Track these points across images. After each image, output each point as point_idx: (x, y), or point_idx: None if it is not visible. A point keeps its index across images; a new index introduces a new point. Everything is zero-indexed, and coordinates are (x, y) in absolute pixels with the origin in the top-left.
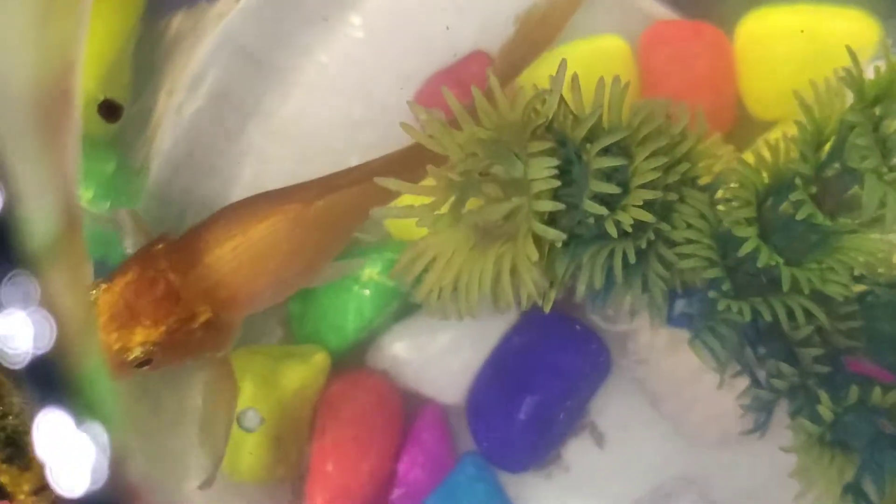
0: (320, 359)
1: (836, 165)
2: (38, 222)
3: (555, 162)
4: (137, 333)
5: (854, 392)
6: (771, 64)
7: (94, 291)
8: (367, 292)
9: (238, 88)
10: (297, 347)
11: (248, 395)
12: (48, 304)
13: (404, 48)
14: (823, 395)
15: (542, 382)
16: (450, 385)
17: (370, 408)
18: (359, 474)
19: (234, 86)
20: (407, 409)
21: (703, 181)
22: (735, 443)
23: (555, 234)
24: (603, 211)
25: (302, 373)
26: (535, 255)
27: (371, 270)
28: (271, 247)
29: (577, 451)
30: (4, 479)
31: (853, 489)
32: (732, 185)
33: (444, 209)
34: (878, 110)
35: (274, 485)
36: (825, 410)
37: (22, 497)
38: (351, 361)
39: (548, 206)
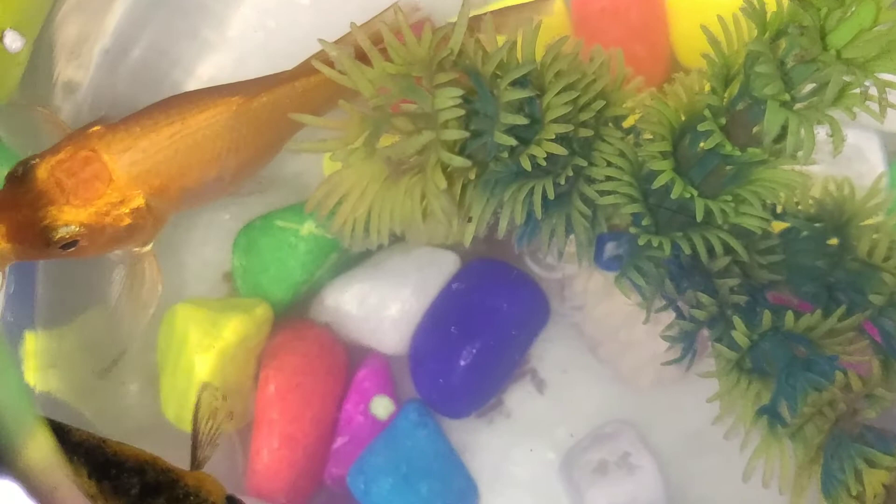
0: (262, 311)
1: (747, 99)
2: None
3: (459, 92)
4: (66, 212)
5: (767, 318)
6: (701, 15)
7: (20, 168)
8: (306, 245)
9: None
10: (239, 300)
11: (192, 345)
12: None
13: None
14: (738, 322)
15: (482, 330)
16: (391, 335)
17: (313, 358)
18: (302, 422)
19: None
20: (350, 360)
21: (627, 123)
22: (672, 385)
23: (461, 162)
24: (511, 141)
25: (244, 324)
26: (442, 184)
27: (310, 224)
28: (209, 138)
29: (518, 397)
30: None
31: (768, 411)
32: (648, 121)
33: (358, 143)
34: (783, 43)
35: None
36: (740, 336)
37: None
38: (294, 314)
39: (454, 134)
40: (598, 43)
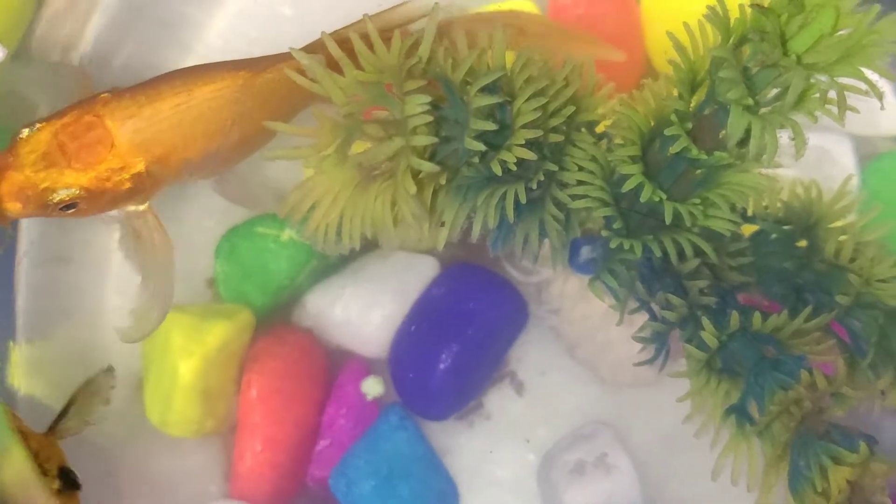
0: (244, 317)
1: (713, 104)
2: None
3: (428, 98)
4: (66, 175)
5: (735, 319)
6: (675, 23)
7: (26, 130)
8: (287, 251)
9: None
10: (222, 306)
11: (175, 350)
12: None
13: None
14: (707, 323)
15: (461, 333)
16: (372, 339)
17: (294, 362)
18: (285, 426)
19: None
20: (331, 364)
21: (599, 129)
22: (649, 386)
23: (430, 167)
24: (481, 147)
25: (226, 329)
26: (413, 189)
27: (290, 230)
28: (213, 111)
29: (498, 399)
30: None
31: (737, 410)
32: (619, 127)
33: (330, 150)
34: (747, 49)
35: (204, 438)
36: (709, 337)
37: None
38: (276, 320)
39: (424, 140)
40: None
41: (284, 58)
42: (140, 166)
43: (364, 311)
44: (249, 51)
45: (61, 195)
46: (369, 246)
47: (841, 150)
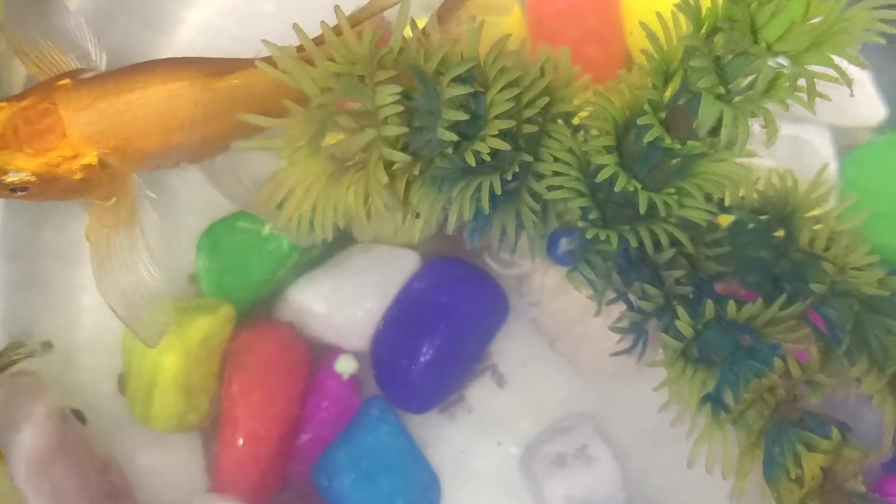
0: (225, 311)
1: (687, 94)
2: None
3: (398, 88)
4: (18, 159)
5: (710, 308)
6: (655, 17)
7: None
8: (268, 246)
9: None
10: (203, 301)
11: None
12: None
13: None
14: (682, 311)
15: (442, 326)
16: (354, 333)
17: (276, 356)
18: (266, 419)
19: None
20: (313, 358)
21: (577, 121)
22: (630, 377)
23: (401, 157)
24: (453, 137)
25: (207, 324)
26: (384, 179)
27: (271, 225)
28: (170, 110)
29: (479, 392)
30: None
31: (712, 398)
32: (593, 117)
33: (303, 142)
34: (720, 38)
35: (186, 432)
36: (684, 326)
37: None
38: (258, 314)
39: (394, 130)
40: (555, 44)
41: (250, 64)
42: (92, 158)
43: (345, 305)
44: (231, 49)
45: (11, 177)
46: (350, 240)
47: (820, 140)
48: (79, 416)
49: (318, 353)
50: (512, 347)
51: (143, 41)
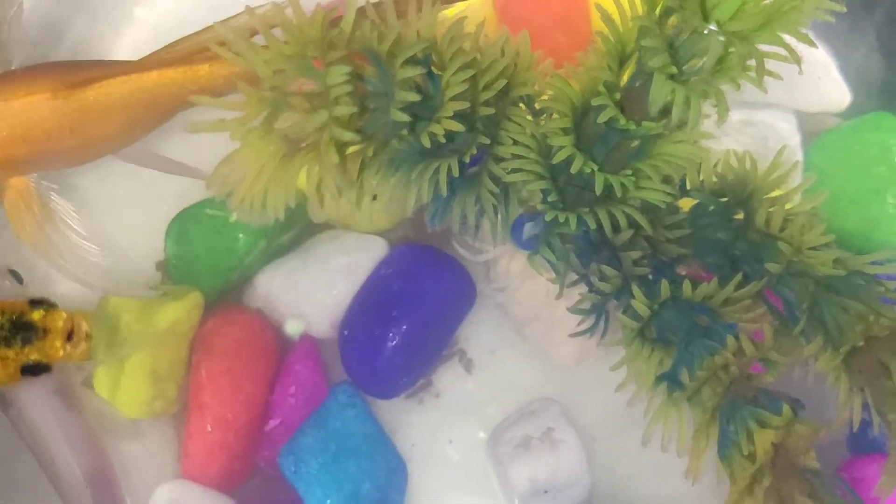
0: (193, 298)
1: (643, 76)
2: None
3: (348, 68)
4: None
5: (665, 288)
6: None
7: None
8: (235, 233)
9: None
10: (171, 287)
11: (123, 330)
12: None
13: None
14: (637, 292)
15: (409, 311)
16: (322, 319)
17: (243, 342)
18: (234, 405)
19: None
20: (281, 345)
21: (539, 106)
22: (597, 363)
23: (350, 136)
24: (406, 118)
25: (174, 310)
26: (335, 159)
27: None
28: (33, 122)
29: (447, 377)
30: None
31: (668, 377)
32: (552, 99)
33: (256, 123)
34: (674, 20)
35: (155, 418)
36: (640, 306)
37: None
38: (227, 301)
39: (344, 109)
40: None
41: (118, 69)
42: None
43: (313, 292)
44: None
45: None
46: (318, 228)
47: (786, 126)
48: (16, 276)
49: (287, 340)
50: (480, 333)
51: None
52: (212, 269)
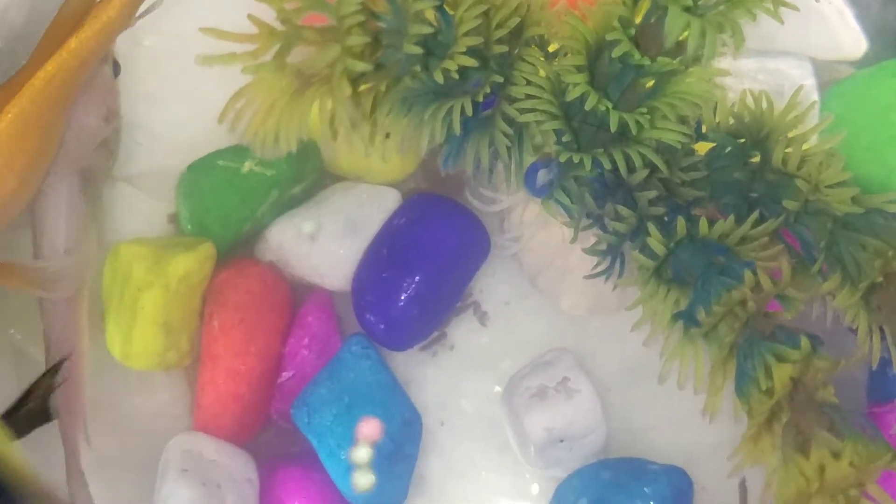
0: (205, 248)
1: (658, 11)
2: None
3: None
4: None
5: (682, 225)
6: None
7: None
8: (247, 183)
9: None
10: (183, 238)
11: (135, 281)
12: None
13: None
14: (653, 230)
15: (423, 262)
16: (334, 271)
17: (256, 294)
18: (247, 357)
19: None
20: (294, 297)
21: (553, 48)
22: (613, 314)
23: (363, 66)
24: (418, 50)
25: (187, 261)
26: (347, 91)
27: (250, 162)
28: None
29: (461, 329)
30: None
31: (684, 315)
32: (567, 38)
33: (268, 57)
34: None
35: (167, 371)
36: (656, 244)
37: None
38: (239, 254)
39: (357, 39)
40: None
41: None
42: None
43: (326, 244)
44: None
45: None
46: (331, 179)
47: (801, 73)
48: (116, 67)
49: (300, 292)
50: (494, 285)
51: None
52: (224, 220)
